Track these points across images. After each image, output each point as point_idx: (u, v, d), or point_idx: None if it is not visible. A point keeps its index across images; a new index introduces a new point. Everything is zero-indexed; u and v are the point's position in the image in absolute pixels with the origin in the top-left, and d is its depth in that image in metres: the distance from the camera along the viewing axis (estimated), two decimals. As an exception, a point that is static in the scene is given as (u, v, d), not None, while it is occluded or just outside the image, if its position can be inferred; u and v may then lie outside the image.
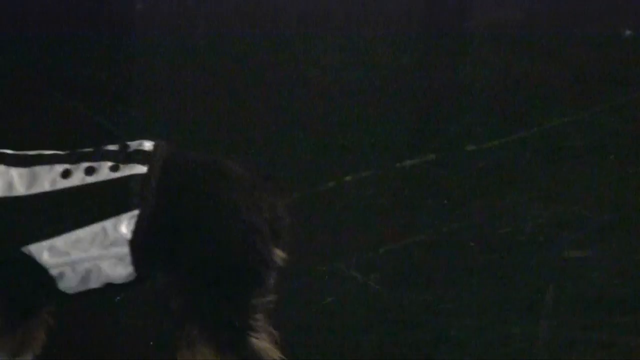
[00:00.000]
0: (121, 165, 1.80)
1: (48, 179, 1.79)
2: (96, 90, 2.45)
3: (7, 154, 1.84)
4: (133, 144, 1.85)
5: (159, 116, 2.43)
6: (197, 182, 1.72)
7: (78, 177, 1.79)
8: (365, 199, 2.17)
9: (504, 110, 2.30)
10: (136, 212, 1.72)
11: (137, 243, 1.70)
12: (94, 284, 1.75)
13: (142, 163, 1.81)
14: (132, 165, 1.81)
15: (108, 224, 1.74)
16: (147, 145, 1.83)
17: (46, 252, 1.75)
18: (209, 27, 2.98)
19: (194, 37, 2.88)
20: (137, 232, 1.70)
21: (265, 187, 1.72)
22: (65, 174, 1.78)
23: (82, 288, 1.77)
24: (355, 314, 1.92)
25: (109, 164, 1.82)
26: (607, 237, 2.07)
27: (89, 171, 1.79)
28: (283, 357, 1.73)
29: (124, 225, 1.73)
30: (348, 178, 2.17)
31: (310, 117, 2.44)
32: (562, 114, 2.37)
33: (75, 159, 1.81)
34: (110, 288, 1.80)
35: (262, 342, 1.70)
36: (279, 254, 1.66)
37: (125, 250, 1.72)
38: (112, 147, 1.84)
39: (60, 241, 1.74)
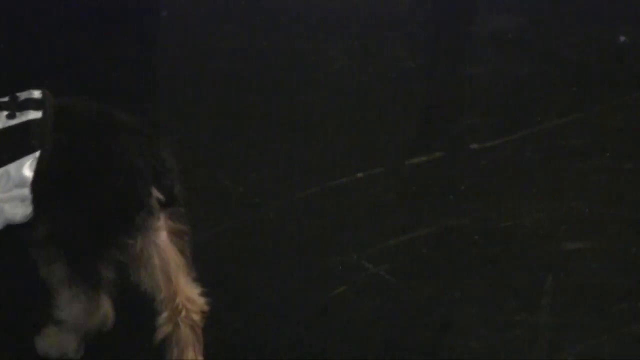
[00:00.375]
0: (17, 113, 1.82)
1: None
2: (120, 97, 2.44)
3: None
4: (22, 94, 1.85)
5: (183, 121, 2.38)
6: (87, 126, 1.75)
7: None
8: (375, 194, 2.17)
9: (506, 111, 2.31)
10: (37, 153, 1.73)
11: (37, 184, 1.71)
12: None
13: (36, 109, 1.82)
14: (26, 112, 1.83)
15: (11, 167, 1.75)
16: (36, 93, 1.84)
17: None
18: (232, 33, 2.90)
19: (217, 43, 2.81)
20: (37, 172, 1.71)
21: (151, 133, 1.72)
22: None
23: None
24: (366, 301, 1.91)
25: (5, 112, 1.83)
26: (603, 230, 2.07)
27: None
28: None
29: (26, 167, 1.75)
30: (360, 175, 2.18)
31: (324, 118, 2.45)
32: (560, 115, 2.38)
33: None
34: (7, 230, 1.78)
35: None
36: (158, 196, 1.67)
37: (26, 191, 1.73)
38: (3, 99, 1.84)
39: None
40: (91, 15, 2.90)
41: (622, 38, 2.67)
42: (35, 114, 1.81)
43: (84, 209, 1.70)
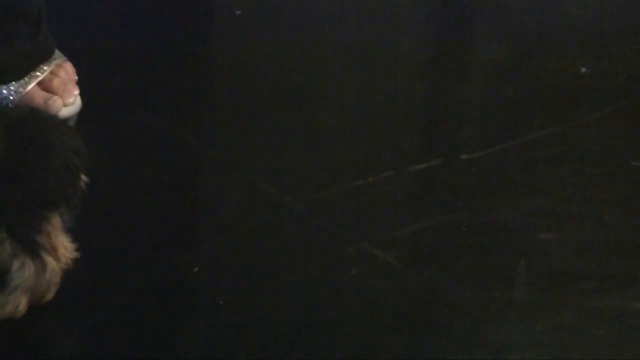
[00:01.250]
0: None
1: None
2: (183, 105, 2.45)
3: None
4: None
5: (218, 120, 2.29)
6: (20, 125, 1.71)
7: None
8: (385, 194, 2.18)
9: (492, 127, 2.31)
10: None
11: None
12: None
13: None
14: None
15: None
16: None
17: None
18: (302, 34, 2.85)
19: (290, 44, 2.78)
20: None
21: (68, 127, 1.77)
22: None
23: None
24: (376, 283, 1.95)
25: None
26: (569, 224, 2.11)
27: None
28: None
29: None
30: (371, 179, 2.19)
31: (342, 131, 2.45)
32: (538, 129, 2.39)
33: None
34: None
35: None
36: (84, 179, 1.72)
37: None
38: None
39: None
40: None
41: (583, 69, 2.68)
42: None
43: (27, 193, 1.68)
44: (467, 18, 3.17)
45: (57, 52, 2.42)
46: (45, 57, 2.38)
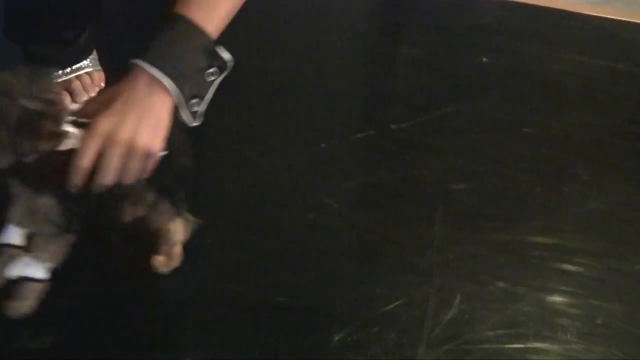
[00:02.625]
0: None
1: None
2: None
3: None
4: None
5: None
6: None
7: None
8: (335, 156, 2.19)
9: (414, 103, 2.31)
10: None
11: None
12: None
13: None
14: None
15: None
16: None
17: None
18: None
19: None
20: None
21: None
22: None
23: None
24: (329, 224, 1.97)
25: None
26: (478, 176, 2.13)
27: None
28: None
29: None
30: (324, 145, 2.20)
31: (303, 108, 2.43)
32: (450, 105, 2.41)
33: None
34: None
35: None
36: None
37: None
38: None
39: None
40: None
41: (485, 59, 2.69)
42: None
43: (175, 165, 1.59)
44: (399, 16, 3.16)
45: (94, 61, 2.25)
46: (74, 62, 2.21)
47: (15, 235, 1.58)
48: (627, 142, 2.39)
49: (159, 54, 1.43)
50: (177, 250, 1.74)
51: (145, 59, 1.43)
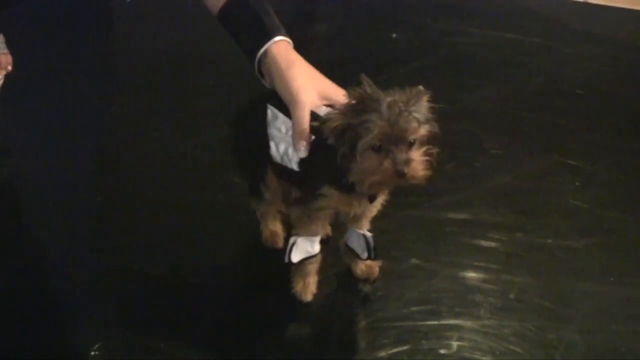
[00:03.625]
0: None
1: None
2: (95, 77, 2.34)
3: None
4: None
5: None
6: None
7: None
8: None
9: (331, 79, 2.30)
10: None
11: None
12: None
13: None
14: None
15: None
16: None
17: None
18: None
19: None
20: None
21: None
22: None
23: None
24: (235, 201, 1.93)
25: None
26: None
27: None
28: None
29: None
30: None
31: (209, 90, 2.42)
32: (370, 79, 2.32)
33: None
34: None
35: None
36: None
37: None
38: None
39: None
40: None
41: (394, 35, 2.70)
42: None
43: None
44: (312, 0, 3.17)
45: (1, 45, 2.24)
46: None
47: None
48: (536, 115, 2.41)
49: None
50: None
51: None
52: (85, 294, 1.71)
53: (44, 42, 2.54)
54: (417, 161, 1.41)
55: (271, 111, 1.57)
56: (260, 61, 1.60)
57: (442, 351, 1.60)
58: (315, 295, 1.68)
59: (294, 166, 1.55)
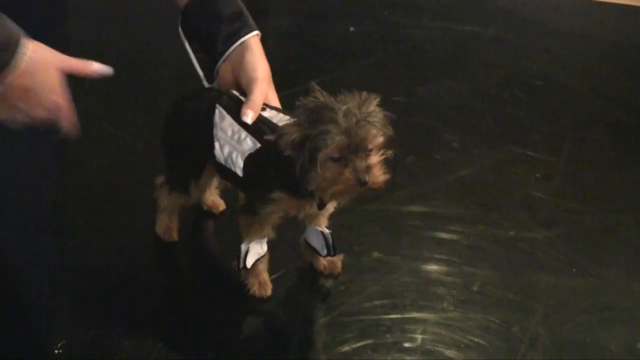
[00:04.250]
0: None
1: None
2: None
3: None
4: None
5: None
6: None
7: None
8: None
9: (282, 76, 2.31)
10: None
11: None
12: None
13: None
14: None
15: None
16: None
17: None
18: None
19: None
20: None
21: None
22: None
23: None
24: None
25: None
26: None
27: None
28: None
29: None
30: None
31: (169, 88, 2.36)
32: (319, 75, 2.40)
33: None
34: None
35: None
36: None
37: None
38: None
39: None
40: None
41: (352, 28, 2.71)
42: None
43: None
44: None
45: None
46: None
47: None
48: (495, 107, 2.42)
49: None
50: None
51: None
52: (48, 292, 1.67)
53: None
54: (377, 167, 1.43)
55: (219, 112, 1.57)
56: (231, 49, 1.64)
57: (406, 344, 1.58)
58: (275, 291, 1.66)
59: (238, 171, 1.55)
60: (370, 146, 1.41)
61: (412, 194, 2.01)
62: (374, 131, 1.40)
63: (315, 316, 1.64)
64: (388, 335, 1.60)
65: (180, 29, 1.70)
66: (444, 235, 1.88)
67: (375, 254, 1.79)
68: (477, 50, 2.75)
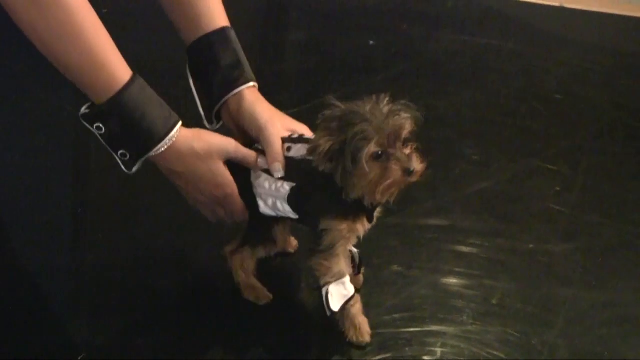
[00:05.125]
0: None
1: None
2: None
3: None
4: None
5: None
6: None
7: None
8: None
9: (303, 90, 2.32)
10: None
11: None
12: None
13: None
14: None
15: None
16: None
17: None
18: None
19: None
20: None
21: None
22: None
23: None
24: None
25: None
26: None
27: None
28: None
29: None
30: None
31: None
32: (338, 89, 2.34)
33: None
34: None
35: None
36: None
37: None
38: None
39: None
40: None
41: (371, 42, 2.71)
42: None
43: None
44: (284, 6, 3.16)
45: None
46: None
47: None
48: (514, 120, 2.42)
49: None
50: None
51: None
52: (69, 304, 1.70)
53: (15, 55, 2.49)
54: (415, 155, 1.45)
55: (253, 170, 1.59)
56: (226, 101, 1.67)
57: (426, 358, 1.58)
58: (294, 305, 1.68)
59: (291, 215, 1.57)
60: (404, 134, 1.43)
61: (431, 207, 2.01)
62: (404, 119, 1.42)
63: (336, 329, 1.63)
64: (407, 349, 1.60)
65: (187, 67, 1.71)
66: (463, 248, 1.89)
67: (395, 267, 1.80)
68: (495, 63, 2.75)
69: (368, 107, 1.41)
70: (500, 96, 2.56)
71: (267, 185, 1.56)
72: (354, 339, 1.61)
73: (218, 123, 1.71)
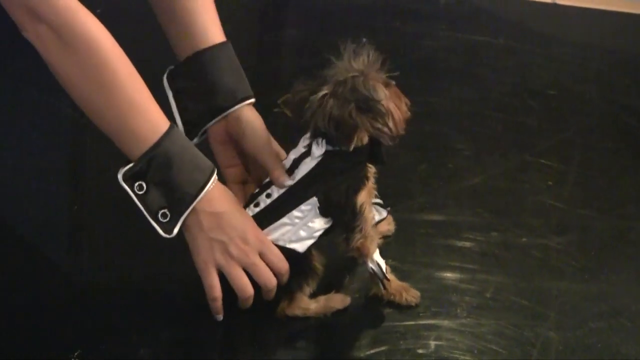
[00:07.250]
0: None
1: None
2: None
3: None
4: None
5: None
6: None
7: None
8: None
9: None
10: None
11: None
12: None
13: None
14: None
15: None
16: None
17: None
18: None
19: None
20: None
21: None
22: None
23: None
24: None
25: None
26: None
27: None
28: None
29: None
30: None
31: None
32: None
33: None
34: None
35: None
36: None
37: None
38: None
39: None
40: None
41: (364, 39, 2.69)
42: None
43: None
44: (280, 6, 3.16)
45: None
46: None
47: None
48: (507, 115, 2.42)
49: None
50: None
51: None
52: (63, 302, 1.69)
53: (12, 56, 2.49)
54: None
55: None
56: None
57: (420, 351, 1.59)
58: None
59: (324, 226, 1.58)
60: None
61: (425, 202, 2.01)
62: (375, 54, 1.56)
63: (329, 323, 1.64)
64: (402, 342, 1.61)
65: (165, 81, 1.69)
66: (457, 242, 1.89)
67: (389, 262, 1.79)
68: (488, 59, 2.76)
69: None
70: (494, 92, 2.57)
71: (297, 221, 1.54)
72: (406, 300, 1.66)
73: (200, 138, 1.68)
